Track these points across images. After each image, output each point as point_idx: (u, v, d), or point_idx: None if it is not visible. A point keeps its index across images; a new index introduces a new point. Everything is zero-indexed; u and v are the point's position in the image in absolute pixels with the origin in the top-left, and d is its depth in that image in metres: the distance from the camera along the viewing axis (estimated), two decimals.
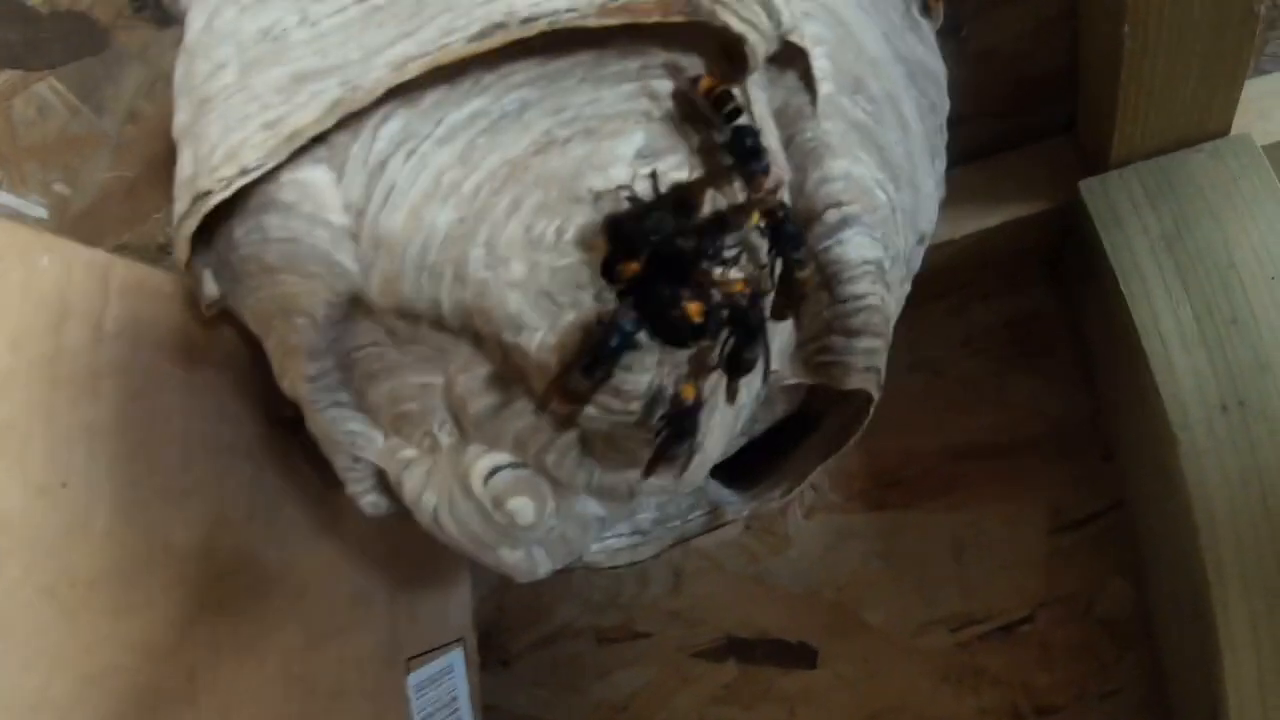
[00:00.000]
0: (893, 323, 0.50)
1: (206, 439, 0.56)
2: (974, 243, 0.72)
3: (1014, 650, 0.78)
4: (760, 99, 0.42)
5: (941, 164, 0.52)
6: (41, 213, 0.71)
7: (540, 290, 0.39)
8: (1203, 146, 0.67)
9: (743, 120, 0.38)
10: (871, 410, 0.49)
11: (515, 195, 0.40)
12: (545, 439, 0.45)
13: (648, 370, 0.41)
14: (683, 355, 0.41)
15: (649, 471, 0.43)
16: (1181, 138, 0.67)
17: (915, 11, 0.48)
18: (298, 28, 0.40)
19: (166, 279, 0.55)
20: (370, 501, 0.50)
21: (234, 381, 0.59)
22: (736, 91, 0.39)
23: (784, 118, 0.43)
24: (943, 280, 0.79)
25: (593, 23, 0.37)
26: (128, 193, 0.72)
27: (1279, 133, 0.70)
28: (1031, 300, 0.80)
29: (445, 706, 0.73)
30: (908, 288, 0.54)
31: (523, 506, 0.45)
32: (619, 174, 0.39)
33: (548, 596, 0.87)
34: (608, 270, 0.38)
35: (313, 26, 0.40)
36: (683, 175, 0.40)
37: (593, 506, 0.49)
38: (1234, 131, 0.68)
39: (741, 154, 0.38)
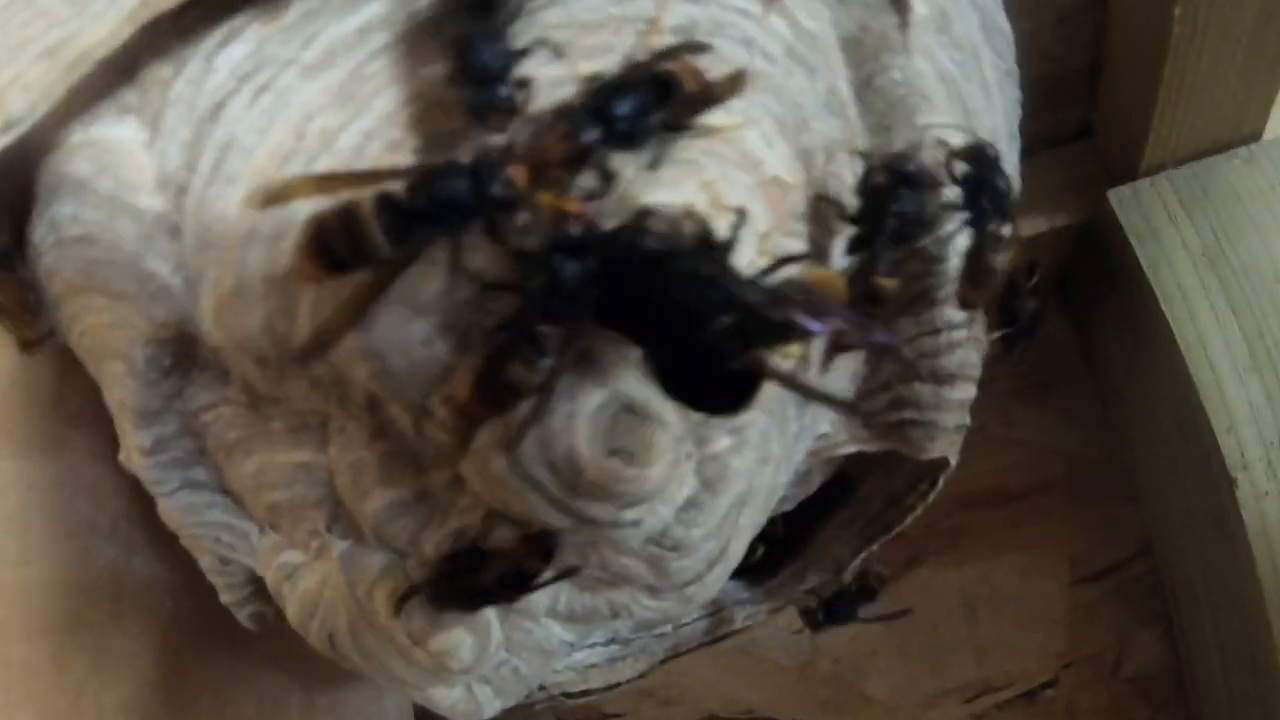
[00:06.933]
0: None
1: (56, 519, 0.43)
2: None
3: (1037, 718, 0.75)
4: (823, 19, 0.32)
5: (1018, 151, 0.43)
6: None
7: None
8: (1237, 152, 0.63)
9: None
10: (943, 481, 0.40)
11: (425, 149, 0.28)
12: None
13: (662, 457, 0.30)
14: None
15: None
16: (1215, 142, 0.63)
17: None
18: None
19: None
20: (250, 614, 0.40)
21: (97, 440, 0.44)
22: None
23: (859, 50, 0.33)
24: None
25: None
26: None
27: None
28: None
29: None
30: None
31: (455, 644, 0.34)
32: None
33: None
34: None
35: None
36: None
37: (557, 630, 0.38)
38: (1267, 135, 0.63)
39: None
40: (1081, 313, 0.75)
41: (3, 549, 0.41)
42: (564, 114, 0.26)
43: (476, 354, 0.27)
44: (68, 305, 0.32)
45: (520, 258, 0.26)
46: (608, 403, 0.28)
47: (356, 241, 0.25)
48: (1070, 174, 0.66)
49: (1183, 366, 0.60)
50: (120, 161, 0.29)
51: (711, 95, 0.27)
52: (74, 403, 0.44)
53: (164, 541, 0.46)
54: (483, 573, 0.33)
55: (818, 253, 0.33)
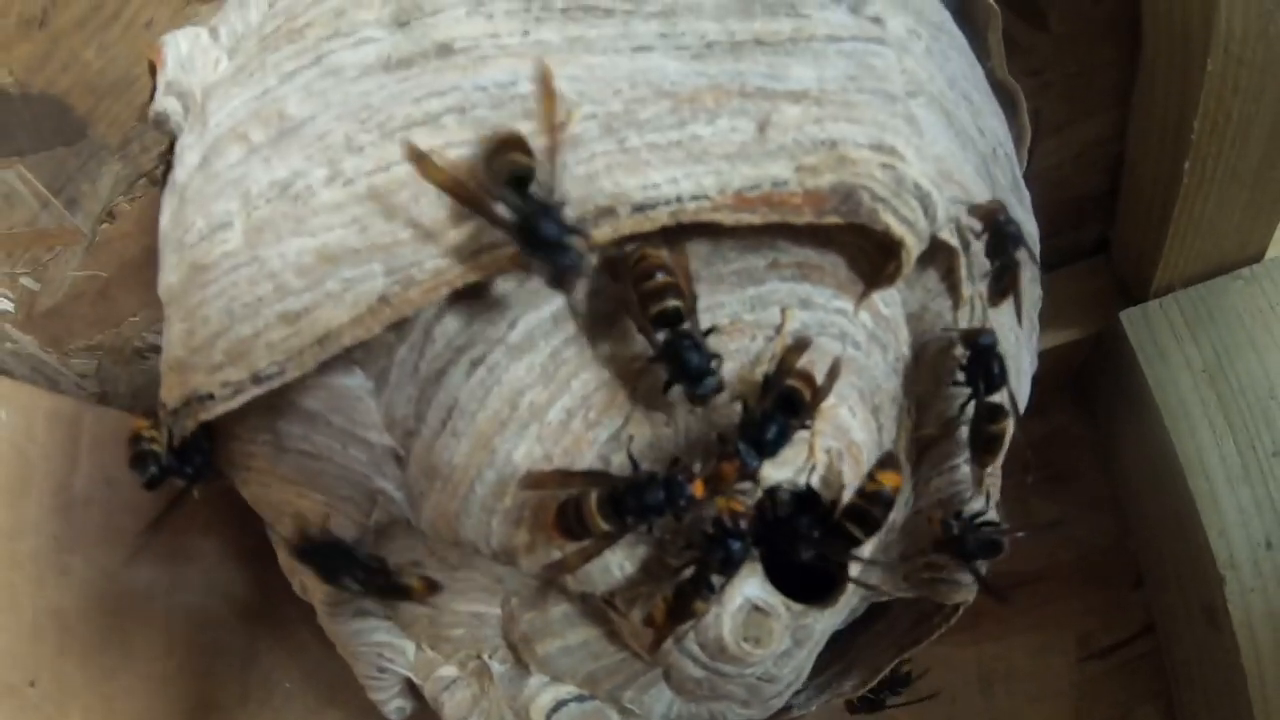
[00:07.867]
0: None
1: (192, 615, 0.49)
2: None
3: None
4: (895, 302, 0.38)
5: (1036, 336, 0.49)
6: (7, 306, 0.64)
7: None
8: (1240, 273, 0.66)
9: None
10: (962, 609, 0.46)
11: (615, 429, 0.34)
12: (625, 678, 0.41)
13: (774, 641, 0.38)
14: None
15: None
16: (1220, 265, 0.66)
17: (1020, 172, 0.45)
18: (327, 186, 0.31)
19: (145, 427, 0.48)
20: (396, 708, 0.45)
21: (223, 545, 0.52)
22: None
23: (919, 323, 0.39)
24: None
25: (726, 218, 0.31)
26: (100, 293, 0.65)
27: None
28: (1056, 423, 0.77)
29: None
30: None
31: None
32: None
33: None
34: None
35: (346, 186, 0.31)
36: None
37: None
38: (1268, 254, 0.66)
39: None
40: (1095, 412, 0.77)
41: (149, 644, 0.47)
42: (732, 451, 0.33)
43: (667, 591, 0.35)
44: (269, 480, 0.37)
45: (701, 537, 0.34)
46: (743, 605, 0.36)
47: (585, 523, 0.32)
48: (1087, 289, 0.69)
49: (1181, 474, 0.62)
50: (350, 405, 0.33)
51: (820, 395, 0.34)
52: (203, 514, 0.50)
53: (285, 628, 0.53)
54: (367, 570, 0.37)
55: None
